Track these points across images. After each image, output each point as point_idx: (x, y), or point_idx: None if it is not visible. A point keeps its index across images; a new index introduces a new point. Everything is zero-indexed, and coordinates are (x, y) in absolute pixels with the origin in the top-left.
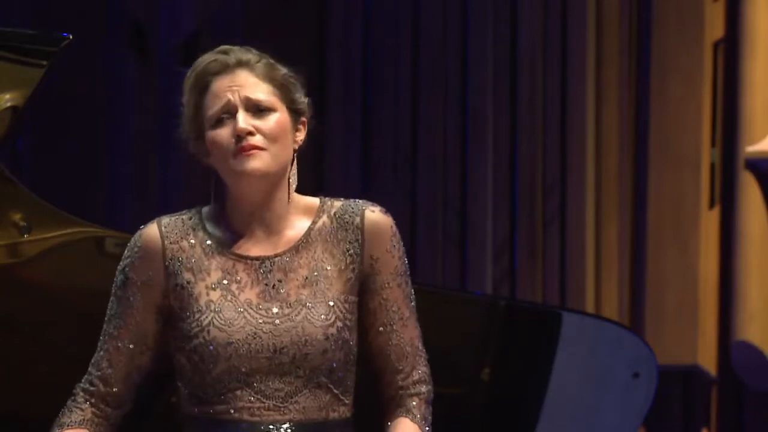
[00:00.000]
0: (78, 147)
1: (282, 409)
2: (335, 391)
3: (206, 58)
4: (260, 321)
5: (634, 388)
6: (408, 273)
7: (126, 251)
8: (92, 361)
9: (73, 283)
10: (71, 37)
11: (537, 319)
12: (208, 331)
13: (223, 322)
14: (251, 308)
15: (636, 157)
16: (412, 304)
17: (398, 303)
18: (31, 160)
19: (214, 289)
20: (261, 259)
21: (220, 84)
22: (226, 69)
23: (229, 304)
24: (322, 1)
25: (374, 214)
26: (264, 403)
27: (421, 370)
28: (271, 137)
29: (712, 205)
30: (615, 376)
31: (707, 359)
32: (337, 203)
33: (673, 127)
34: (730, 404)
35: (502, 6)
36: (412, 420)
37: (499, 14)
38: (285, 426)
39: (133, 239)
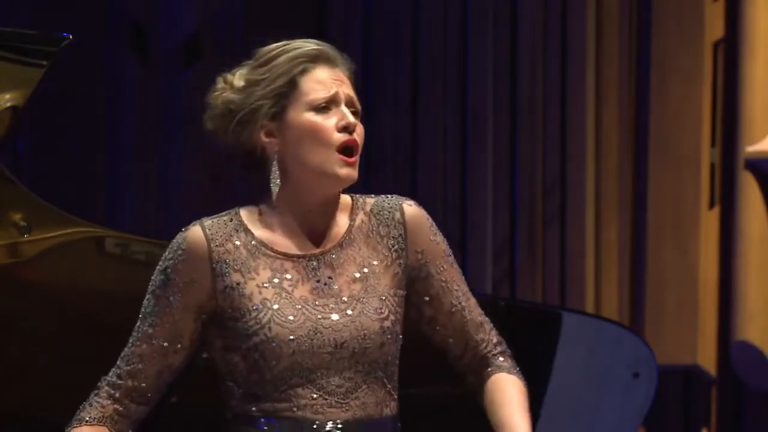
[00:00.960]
0: (78, 147)
1: (344, 405)
2: (388, 386)
3: (298, 43)
4: (319, 317)
5: (634, 388)
6: (451, 252)
7: (167, 253)
8: (121, 355)
9: (73, 283)
10: (71, 37)
11: (537, 319)
12: (270, 328)
13: (283, 318)
14: (308, 305)
15: (636, 157)
16: (463, 278)
17: (457, 281)
18: (31, 160)
19: (266, 288)
20: (308, 257)
21: (323, 72)
22: (327, 59)
23: (285, 301)
24: (322, 1)
25: (412, 208)
26: (326, 399)
27: (495, 332)
28: (361, 141)
29: (712, 205)
30: (615, 376)
31: (707, 359)
32: (369, 200)
33: (673, 127)
34: (730, 404)
35: (502, 6)
36: (508, 373)
37: (499, 14)
38: (342, 422)
39: (175, 242)
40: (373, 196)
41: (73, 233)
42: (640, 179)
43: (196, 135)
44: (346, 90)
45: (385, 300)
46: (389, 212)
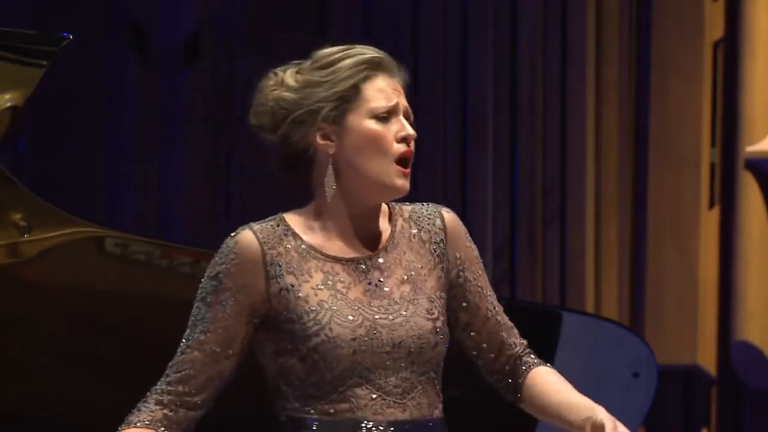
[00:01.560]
0: (78, 147)
1: (401, 405)
2: (437, 387)
3: (361, 49)
4: (376, 317)
5: (634, 388)
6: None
7: (218, 258)
8: (171, 363)
9: (73, 283)
10: (71, 37)
11: (537, 319)
12: (330, 329)
13: (343, 318)
14: (363, 305)
15: (636, 157)
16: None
17: (488, 288)
18: (31, 160)
19: (321, 290)
20: (356, 260)
21: (384, 82)
22: (387, 68)
23: (342, 302)
24: (322, 1)
25: (450, 215)
26: (385, 399)
27: (520, 336)
28: (413, 153)
29: (712, 205)
30: (615, 376)
31: (707, 359)
32: (406, 207)
33: (673, 127)
34: (730, 404)
35: (502, 6)
36: (545, 365)
37: (499, 14)
38: (400, 422)
39: (225, 247)
40: (407, 204)
41: (73, 233)
42: (640, 179)
43: (196, 135)
44: (404, 101)
45: (433, 302)
46: (429, 219)
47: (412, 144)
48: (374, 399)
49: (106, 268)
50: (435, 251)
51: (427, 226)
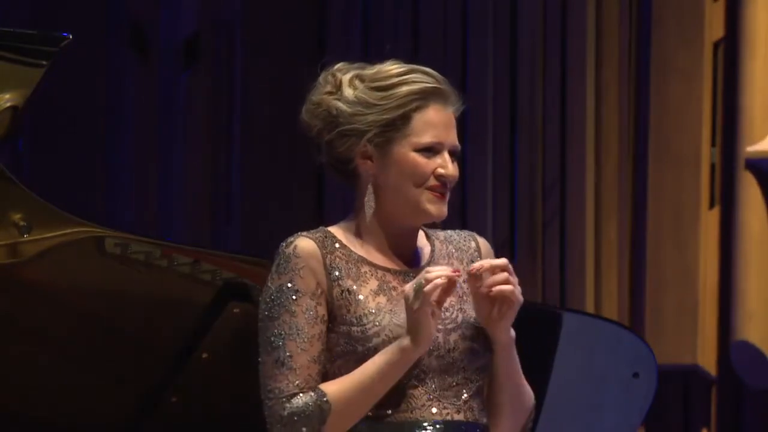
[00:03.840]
0: (78, 147)
1: (456, 407)
2: (484, 394)
3: (420, 77)
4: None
5: (634, 388)
6: None
7: (279, 268)
8: (275, 386)
9: (73, 283)
10: (71, 37)
11: (537, 319)
12: (391, 330)
13: (401, 321)
14: None
15: (636, 157)
16: None
17: None
18: (31, 160)
19: (378, 294)
20: (404, 272)
21: (435, 115)
22: (441, 97)
23: (399, 307)
24: (322, 1)
25: (482, 239)
26: (441, 401)
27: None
28: (454, 180)
29: (712, 205)
30: (615, 376)
31: (707, 359)
32: (440, 232)
33: (673, 127)
34: (730, 404)
35: (502, 6)
36: None
37: (499, 14)
38: (456, 424)
39: (284, 255)
40: (439, 229)
41: (73, 233)
42: (640, 179)
43: (196, 135)
44: (452, 136)
45: (479, 323)
46: (464, 241)
47: (454, 176)
48: (430, 400)
49: (106, 268)
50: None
51: (463, 247)
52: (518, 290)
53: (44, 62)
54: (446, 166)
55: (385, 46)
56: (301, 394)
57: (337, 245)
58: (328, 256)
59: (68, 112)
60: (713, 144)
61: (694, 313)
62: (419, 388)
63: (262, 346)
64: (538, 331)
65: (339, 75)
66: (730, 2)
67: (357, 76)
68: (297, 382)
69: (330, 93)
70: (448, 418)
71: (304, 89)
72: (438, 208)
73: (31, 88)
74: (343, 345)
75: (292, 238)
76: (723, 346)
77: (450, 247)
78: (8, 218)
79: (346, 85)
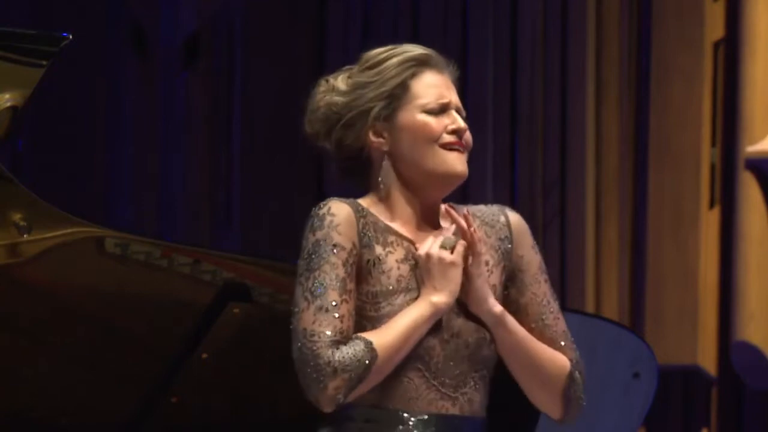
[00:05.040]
0: (78, 147)
1: (452, 399)
2: (488, 389)
3: (408, 47)
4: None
5: (635, 389)
6: (546, 270)
7: (314, 227)
8: (320, 325)
9: (73, 283)
10: (71, 37)
11: None
12: (402, 309)
13: (412, 300)
14: None
15: (636, 157)
16: (557, 300)
17: (547, 297)
18: (31, 160)
19: (403, 264)
20: None
21: (433, 78)
22: (437, 66)
23: (417, 281)
24: (321, 1)
25: (515, 214)
26: (439, 391)
27: (574, 360)
28: (468, 147)
29: (712, 205)
30: (615, 376)
31: (707, 359)
32: (466, 207)
33: (673, 127)
34: (730, 404)
35: (502, 6)
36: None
37: (499, 14)
38: (450, 416)
39: (319, 215)
40: (464, 205)
41: (73, 233)
42: (640, 179)
43: (196, 135)
44: (455, 97)
45: (495, 296)
46: (494, 216)
47: (466, 139)
48: (428, 389)
49: (106, 268)
50: (499, 247)
51: (491, 222)
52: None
53: (44, 62)
54: (456, 121)
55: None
56: (349, 342)
57: (366, 214)
58: (361, 220)
59: (68, 112)
60: (713, 144)
61: (694, 313)
62: (419, 376)
63: (300, 296)
64: None
65: (331, 79)
66: (730, 2)
67: (346, 70)
68: (343, 329)
69: (324, 94)
70: (443, 411)
71: (305, 89)
72: (458, 163)
73: (31, 88)
74: (356, 316)
75: (324, 202)
76: (723, 346)
77: (478, 222)
78: (8, 218)
79: (340, 82)
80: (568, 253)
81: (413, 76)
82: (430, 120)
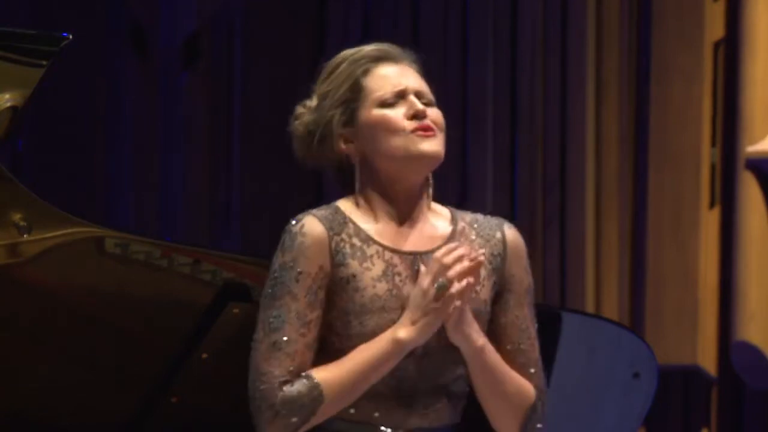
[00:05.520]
0: (78, 147)
1: (424, 414)
2: (463, 398)
3: (362, 48)
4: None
5: (635, 389)
6: (533, 290)
7: (285, 246)
8: (269, 365)
9: (73, 283)
10: (71, 37)
11: (537, 319)
12: (374, 331)
13: (388, 322)
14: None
15: (636, 157)
16: (536, 325)
17: (527, 322)
18: (31, 160)
19: (380, 282)
20: (414, 255)
21: (386, 70)
22: (390, 58)
23: (394, 299)
24: (321, 1)
25: (512, 231)
26: (409, 408)
27: (540, 389)
28: (439, 125)
29: (712, 205)
30: (615, 376)
31: (707, 359)
32: (467, 214)
33: (673, 127)
34: (730, 404)
35: (503, 6)
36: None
37: (499, 14)
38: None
39: (291, 234)
40: (469, 212)
41: (73, 233)
42: (640, 179)
43: (196, 135)
44: (414, 82)
45: (480, 315)
46: (490, 230)
47: (433, 118)
48: (399, 405)
49: (106, 268)
50: (491, 262)
51: (487, 236)
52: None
53: (44, 62)
54: (413, 105)
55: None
56: (294, 382)
57: (346, 223)
58: (335, 237)
59: (68, 112)
60: (713, 144)
61: (694, 313)
62: (391, 392)
63: (260, 324)
64: (538, 331)
65: (307, 100)
66: (730, 2)
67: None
68: (291, 368)
69: (301, 116)
70: (414, 426)
71: (305, 89)
72: (429, 145)
73: (31, 88)
74: (325, 332)
75: (301, 216)
76: (723, 346)
77: (473, 233)
78: (8, 218)
79: (311, 100)
80: (568, 253)
81: (365, 73)
82: (387, 112)
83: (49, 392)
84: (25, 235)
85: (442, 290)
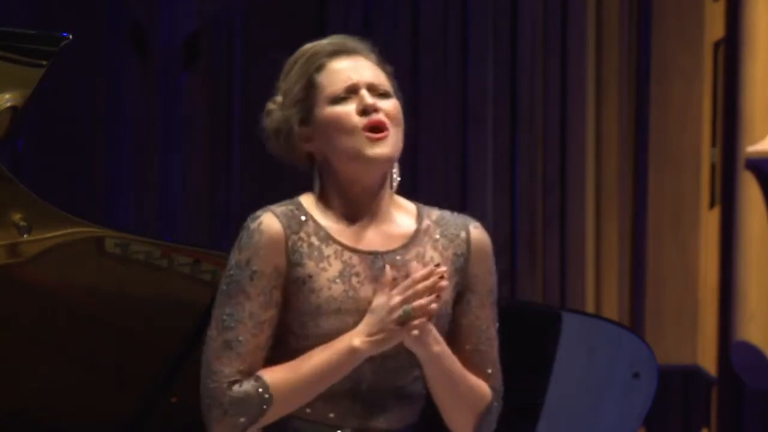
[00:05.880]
0: (78, 147)
1: (383, 416)
2: (422, 401)
3: (318, 42)
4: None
5: (635, 389)
6: (497, 291)
7: (242, 243)
8: (220, 363)
9: (73, 283)
10: (71, 37)
11: (537, 319)
12: (329, 332)
13: (344, 324)
14: (367, 308)
15: (636, 157)
16: (497, 325)
17: (488, 322)
18: (31, 160)
19: (336, 283)
20: (374, 254)
21: (339, 64)
22: (343, 51)
23: (351, 301)
24: (321, 1)
25: (478, 231)
26: (367, 410)
27: (496, 388)
28: (393, 119)
29: (712, 205)
30: (615, 376)
31: (707, 359)
32: (435, 211)
33: (673, 127)
34: (730, 404)
35: (503, 6)
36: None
37: (499, 14)
38: None
39: (248, 231)
40: (437, 209)
41: (73, 233)
42: (640, 179)
43: (196, 135)
44: (367, 75)
45: (441, 318)
46: (455, 229)
47: (387, 111)
48: (355, 406)
49: (106, 268)
50: (454, 262)
51: (451, 235)
52: (432, 301)
53: (44, 62)
54: (363, 99)
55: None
56: (243, 382)
57: (306, 220)
58: (292, 236)
59: (68, 112)
60: (713, 144)
61: (694, 313)
62: (348, 393)
63: (214, 320)
64: (538, 331)
65: (277, 97)
66: (730, 2)
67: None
68: (242, 368)
69: (271, 113)
70: (371, 427)
71: None
72: (380, 149)
73: (31, 88)
74: (282, 331)
75: (260, 213)
76: (723, 346)
77: (438, 231)
78: (8, 218)
79: (278, 98)
80: (568, 253)
81: (318, 69)
82: (338, 109)
83: (49, 392)
84: (25, 235)
85: (407, 318)
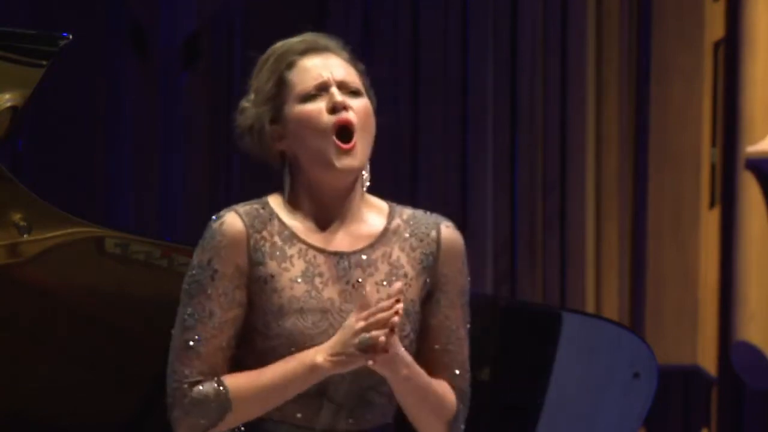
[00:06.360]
0: (78, 147)
1: (353, 418)
2: (393, 403)
3: (289, 40)
4: (340, 325)
5: (635, 389)
6: (468, 291)
7: (204, 242)
8: (181, 363)
9: (73, 283)
10: (71, 37)
11: (537, 319)
12: (291, 332)
13: (307, 324)
14: (333, 310)
15: (636, 157)
16: (468, 325)
17: (458, 323)
18: (31, 160)
19: (298, 283)
20: (339, 254)
21: (310, 62)
22: (314, 49)
23: (313, 301)
24: (321, 1)
25: (449, 230)
26: (336, 412)
27: (462, 390)
28: (363, 119)
29: (712, 205)
30: (615, 376)
31: (707, 359)
32: (407, 210)
33: (673, 127)
34: (730, 404)
35: (503, 6)
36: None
37: (499, 14)
38: None
39: (210, 230)
40: (410, 208)
41: (73, 233)
42: (640, 179)
43: (196, 135)
44: (337, 72)
45: (409, 316)
46: (425, 228)
47: (356, 111)
48: (322, 409)
49: (106, 268)
50: (422, 261)
51: (421, 234)
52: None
53: (44, 62)
54: (333, 96)
55: (385, 46)
56: (205, 383)
57: (271, 220)
58: (255, 235)
59: (68, 112)
60: (713, 144)
61: (694, 313)
62: (315, 395)
63: (177, 319)
64: (538, 331)
65: (250, 95)
66: (730, 2)
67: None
68: (203, 368)
69: (245, 110)
70: (339, 428)
71: None
72: (347, 161)
73: (31, 88)
74: (248, 330)
75: (223, 212)
76: (723, 346)
77: (408, 230)
78: (8, 218)
79: (251, 96)
80: (568, 253)
81: (289, 67)
82: (308, 107)
83: (49, 392)
84: (25, 235)
85: (366, 345)
